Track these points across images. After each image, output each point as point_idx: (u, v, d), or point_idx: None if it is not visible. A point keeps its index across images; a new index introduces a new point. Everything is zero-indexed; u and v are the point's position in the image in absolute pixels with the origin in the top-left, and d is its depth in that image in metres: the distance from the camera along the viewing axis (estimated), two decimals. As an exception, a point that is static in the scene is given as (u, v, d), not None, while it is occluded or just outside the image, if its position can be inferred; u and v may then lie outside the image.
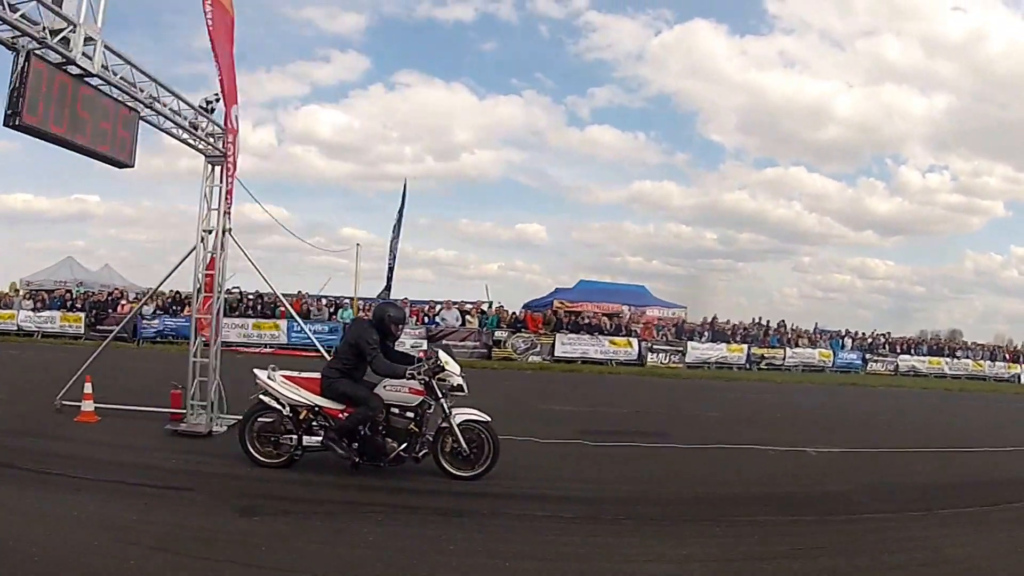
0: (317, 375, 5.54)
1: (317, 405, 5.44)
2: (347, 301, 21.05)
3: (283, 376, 5.51)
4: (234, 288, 19.50)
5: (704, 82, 42.11)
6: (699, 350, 20.79)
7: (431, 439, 5.47)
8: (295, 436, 5.42)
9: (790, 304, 42.26)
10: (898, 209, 40.10)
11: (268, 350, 16.82)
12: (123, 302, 19.73)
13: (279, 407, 5.44)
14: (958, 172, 40.18)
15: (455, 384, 5.48)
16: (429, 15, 40.37)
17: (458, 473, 5.41)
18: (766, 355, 21.73)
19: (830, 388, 17.58)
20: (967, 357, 24.67)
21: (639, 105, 41.33)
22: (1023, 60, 35.05)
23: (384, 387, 5.42)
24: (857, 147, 41.14)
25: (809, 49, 39.37)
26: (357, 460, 5.37)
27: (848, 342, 23.97)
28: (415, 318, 20.32)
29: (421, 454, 5.43)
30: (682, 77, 42.07)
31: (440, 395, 5.43)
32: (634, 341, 20.42)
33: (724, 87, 40.67)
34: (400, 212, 22.56)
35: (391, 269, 21.99)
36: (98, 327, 17.72)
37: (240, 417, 5.77)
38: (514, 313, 21.71)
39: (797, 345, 22.77)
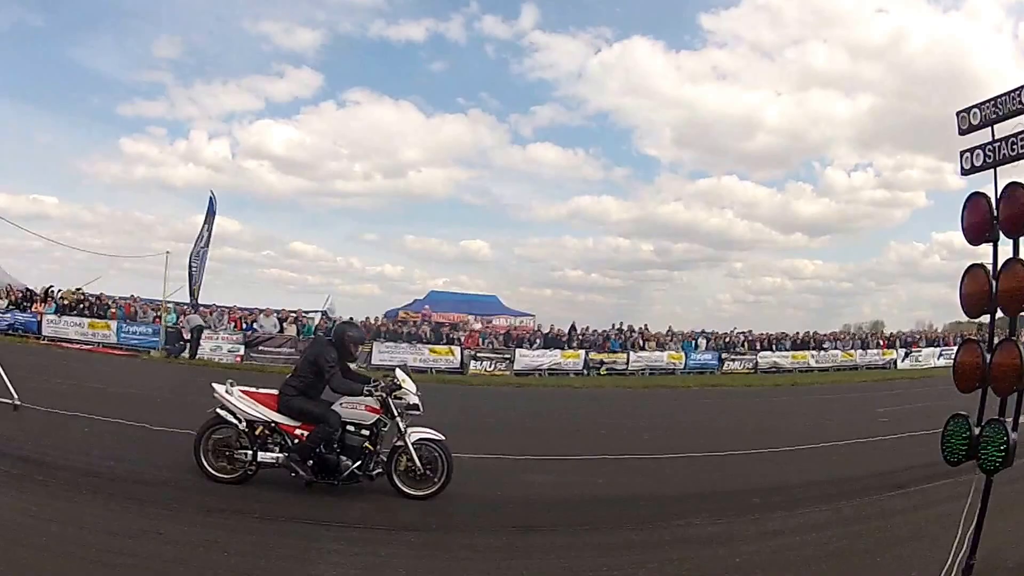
0: (274, 391, 5.59)
1: (274, 421, 5.48)
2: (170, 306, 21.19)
3: (241, 391, 5.55)
4: (76, 289, 21.53)
5: (641, 98, 43.57)
6: (528, 357, 20.86)
7: (385, 458, 5.51)
8: (250, 452, 5.44)
9: (723, 310, 43.69)
10: (825, 210, 41.72)
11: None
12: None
13: (235, 421, 5.47)
14: (881, 168, 42.25)
15: (411, 403, 5.55)
16: (382, 34, 41.48)
17: (411, 492, 5.43)
18: (605, 360, 21.50)
19: (660, 392, 17.63)
20: (835, 348, 24.56)
21: (579, 123, 42.76)
22: (942, 55, 36.17)
23: (341, 404, 5.48)
24: (786, 153, 43.03)
25: (740, 61, 40.95)
26: (312, 479, 5.40)
27: (703, 342, 23.73)
28: (234, 324, 20.77)
29: (375, 472, 5.47)
30: (620, 94, 43.78)
31: (396, 413, 5.49)
32: (456, 349, 20.54)
33: (660, 102, 42.16)
34: (208, 223, 22.61)
35: (191, 277, 21.76)
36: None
37: None
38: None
39: (643, 348, 22.53)
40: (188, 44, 44.82)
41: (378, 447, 5.50)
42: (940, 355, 24.28)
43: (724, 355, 23.18)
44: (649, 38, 45.38)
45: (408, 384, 5.57)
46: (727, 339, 24.41)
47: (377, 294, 44.47)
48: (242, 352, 19.33)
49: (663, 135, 45.42)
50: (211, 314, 21.25)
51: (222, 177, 40.92)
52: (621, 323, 24.42)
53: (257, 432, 5.47)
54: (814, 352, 24.08)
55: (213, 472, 5.47)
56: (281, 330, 20.74)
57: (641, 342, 23.03)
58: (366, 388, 5.44)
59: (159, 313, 20.91)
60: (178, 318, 20.43)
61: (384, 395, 5.47)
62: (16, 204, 40.51)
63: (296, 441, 5.43)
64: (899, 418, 11.24)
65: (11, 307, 20.09)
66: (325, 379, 5.44)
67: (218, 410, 5.52)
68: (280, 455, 5.44)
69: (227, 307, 22.25)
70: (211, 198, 22.91)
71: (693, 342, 23.78)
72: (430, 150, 42.70)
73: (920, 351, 25.24)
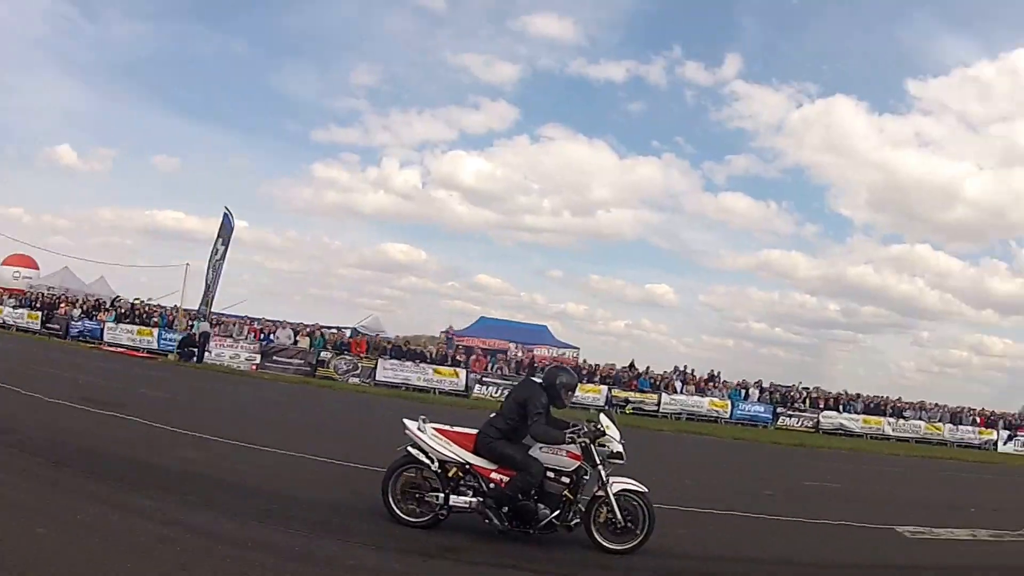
0: (470, 431, 5.28)
1: (468, 463, 5.17)
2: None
3: (434, 429, 5.24)
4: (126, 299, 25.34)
5: (839, 157, 42.70)
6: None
7: (583, 508, 5.20)
8: (442, 494, 5.13)
9: (906, 377, 43.31)
10: (1020, 290, 41.21)
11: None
12: (63, 305, 24.01)
13: (427, 461, 5.16)
14: None
15: (615, 451, 5.24)
16: (581, 72, 41.39)
17: (610, 546, 5.12)
18: (632, 399, 20.45)
19: (690, 437, 16.59)
20: (918, 418, 22.42)
21: (773, 175, 42.46)
22: None
23: (540, 449, 5.17)
24: (983, 228, 41.89)
25: (944, 130, 40.06)
26: (507, 526, 5.09)
27: (755, 392, 21.87)
28: (253, 334, 22.21)
29: (573, 523, 5.15)
30: (818, 151, 42.72)
31: (598, 461, 5.18)
32: (461, 372, 20.57)
33: (858, 163, 41.32)
34: (223, 237, 23.84)
35: (207, 288, 23.31)
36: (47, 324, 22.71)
37: None
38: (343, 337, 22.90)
39: (676, 391, 21.29)
40: (387, 72, 45.93)
41: (578, 496, 5.18)
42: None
43: (780, 409, 21.52)
44: (853, 98, 43.91)
45: (612, 431, 5.26)
46: (786, 392, 22.78)
47: (559, 331, 44.14)
48: (258, 361, 20.72)
49: (858, 196, 44.91)
50: (233, 324, 23.47)
51: (411, 205, 41.08)
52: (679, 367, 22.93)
53: (450, 474, 5.16)
54: (891, 419, 22.15)
55: (401, 515, 5.15)
56: (295, 342, 21.75)
57: (678, 386, 21.77)
58: (568, 435, 5.13)
59: (191, 321, 22.94)
60: (194, 325, 22.17)
61: (587, 441, 5.17)
62: (206, 227, 41.37)
63: (492, 486, 5.12)
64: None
65: (83, 316, 23.23)
66: (528, 424, 5.13)
67: (409, 448, 5.21)
68: (474, 499, 5.13)
69: (244, 318, 24.79)
70: (226, 214, 24.05)
71: (743, 391, 22.20)
72: (621, 191, 42.57)
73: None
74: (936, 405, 24.30)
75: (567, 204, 45.21)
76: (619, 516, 5.12)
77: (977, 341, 44.37)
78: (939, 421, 22.90)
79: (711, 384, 22.93)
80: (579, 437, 5.15)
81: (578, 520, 5.16)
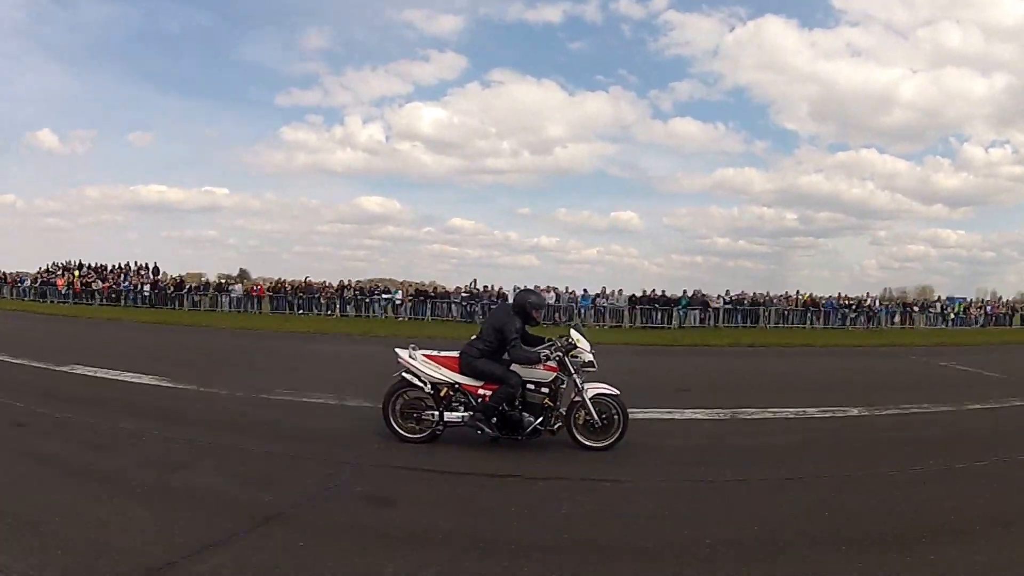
0: (454, 354, 5.87)
1: (457, 382, 5.79)
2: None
3: (423, 355, 5.85)
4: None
5: (776, 74, 43.66)
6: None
7: (564, 413, 5.80)
8: (436, 412, 5.77)
9: (869, 275, 47.07)
10: (964, 183, 43.95)
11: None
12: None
13: (420, 384, 5.79)
14: (1020, 144, 43.68)
15: (587, 360, 5.80)
16: (520, 17, 42.20)
17: (590, 444, 5.74)
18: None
19: None
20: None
21: (717, 98, 43.45)
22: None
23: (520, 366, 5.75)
24: (922, 128, 42.63)
25: (873, 39, 40.75)
26: (497, 435, 5.73)
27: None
28: None
29: (556, 427, 5.77)
30: (755, 70, 44.01)
31: (572, 371, 5.76)
32: None
33: (795, 78, 41.97)
34: None
35: None
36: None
37: None
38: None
39: None
40: (338, 34, 46.46)
41: (557, 403, 5.78)
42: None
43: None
44: (782, 16, 47.85)
45: (583, 343, 5.81)
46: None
47: (536, 264, 46.70)
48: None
49: (800, 109, 46.95)
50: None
51: (378, 159, 42.79)
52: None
53: (442, 394, 5.79)
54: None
55: (403, 433, 5.82)
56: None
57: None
58: (543, 354, 5.70)
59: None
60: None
61: (561, 355, 5.73)
62: (190, 197, 43.44)
63: (480, 400, 5.75)
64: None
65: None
66: (506, 348, 5.70)
67: (403, 374, 5.84)
68: (465, 414, 5.77)
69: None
70: None
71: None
72: (574, 126, 43.75)
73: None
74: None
75: (525, 144, 46.77)
76: (596, 417, 5.71)
77: (932, 235, 48.64)
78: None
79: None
80: (553, 352, 5.73)
81: (560, 424, 5.78)
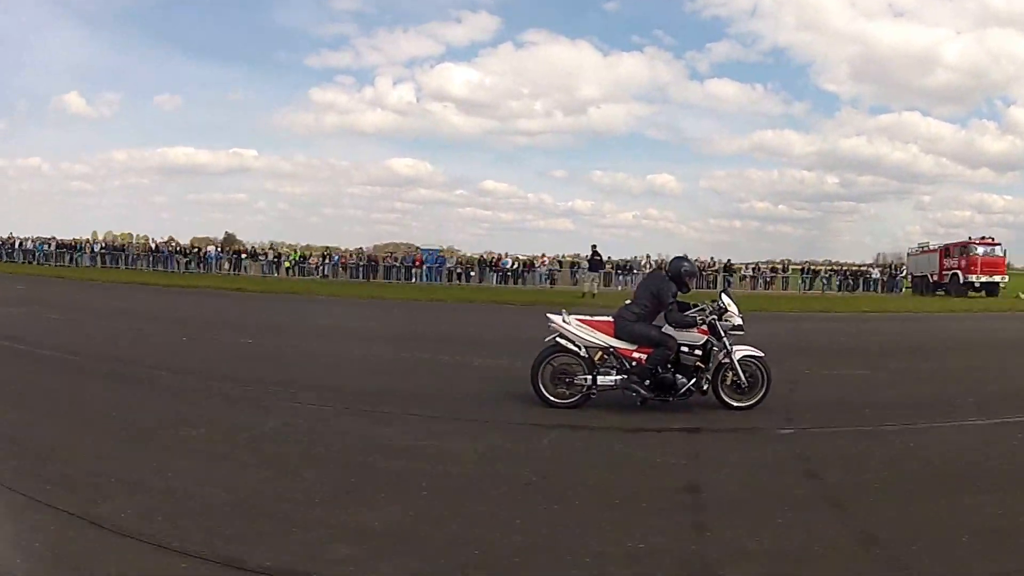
0: (607, 318, 5.79)
1: (612, 346, 5.73)
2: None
3: (577, 319, 5.73)
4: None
5: (816, 34, 42.74)
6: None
7: (711, 375, 5.89)
8: (590, 376, 5.70)
9: (912, 241, 44.09)
10: (1011, 147, 43.38)
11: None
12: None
13: (575, 348, 5.68)
14: None
15: (736, 324, 5.89)
16: None
17: (737, 404, 5.86)
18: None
19: None
20: None
21: (755, 58, 42.06)
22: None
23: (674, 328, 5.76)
24: (967, 91, 42.20)
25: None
26: (650, 396, 5.74)
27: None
28: None
29: (705, 388, 5.86)
30: (795, 30, 42.33)
31: (722, 334, 5.83)
32: None
33: (835, 38, 40.94)
34: None
35: None
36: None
37: None
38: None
39: None
40: None
41: (708, 365, 5.86)
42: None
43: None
44: None
45: (732, 308, 5.90)
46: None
47: (571, 228, 44.51)
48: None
49: (840, 70, 45.33)
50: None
51: (409, 120, 39.92)
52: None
53: (596, 358, 5.71)
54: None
55: (551, 398, 5.72)
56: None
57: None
58: (699, 318, 5.74)
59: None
60: None
61: (713, 319, 5.79)
62: (218, 160, 38.97)
63: (634, 363, 5.73)
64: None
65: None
66: (664, 312, 5.69)
67: (557, 339, 5.70)
68: (618, 378, 5.74)
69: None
70: None
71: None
72: (609, 87, 41.93)
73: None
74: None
75: (558, 105, 45.89)
76: (742, 378, 5.84)
77: (978, 200, 48.08)
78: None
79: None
80: (706, 316, 5.77)
81: (708, 385, 5.87)
